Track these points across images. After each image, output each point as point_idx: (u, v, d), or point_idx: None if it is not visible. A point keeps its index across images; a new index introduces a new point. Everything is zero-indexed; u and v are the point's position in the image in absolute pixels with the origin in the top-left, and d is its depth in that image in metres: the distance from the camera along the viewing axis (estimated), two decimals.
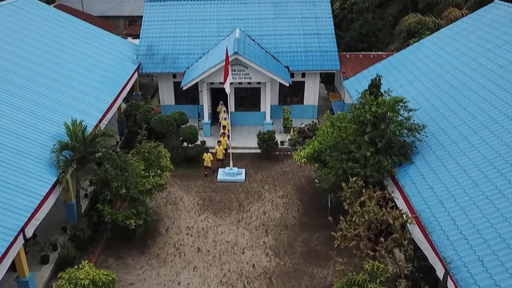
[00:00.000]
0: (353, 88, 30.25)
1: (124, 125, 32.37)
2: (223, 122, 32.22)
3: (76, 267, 16.18)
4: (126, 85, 30.34)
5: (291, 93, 35.84)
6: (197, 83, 32.74)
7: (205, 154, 28.92)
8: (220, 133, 31.64)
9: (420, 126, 20.93)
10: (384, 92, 21.89)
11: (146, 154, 23.87)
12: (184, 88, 31.95)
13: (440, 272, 15.80)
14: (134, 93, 35.97)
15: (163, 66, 34.47)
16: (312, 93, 35.82)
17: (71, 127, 21.15)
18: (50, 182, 19.17)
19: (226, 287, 20.56)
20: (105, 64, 30.73)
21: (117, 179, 21.85)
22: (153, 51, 35.18)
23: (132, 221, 21.47)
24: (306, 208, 25.94)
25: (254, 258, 22.31)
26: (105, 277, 15.92)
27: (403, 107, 21.08)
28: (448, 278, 15.20)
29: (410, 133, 21.02)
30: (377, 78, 22.76)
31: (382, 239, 17.03)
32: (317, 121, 33.75)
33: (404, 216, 17.52)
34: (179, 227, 24.47)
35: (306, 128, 33.17)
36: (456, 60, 26.06)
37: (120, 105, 32.25)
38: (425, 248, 17.01)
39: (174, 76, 34.87)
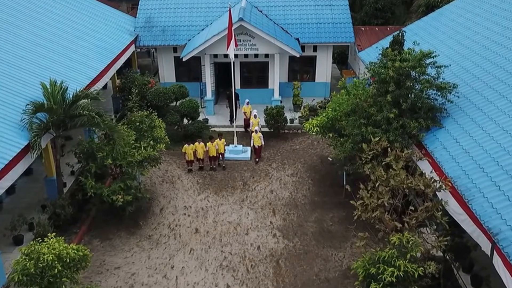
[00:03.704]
0: (370, 58, 27.33)
1: (119, 101, 29.64)
2: (255, 138, 25.20)
3: (40, 239, 13.38)
4: (120, 55, 27.69)
5: (302, 69, 33.11)
6: (199, 57, 30.09)
7: (196, 143, 24.24)
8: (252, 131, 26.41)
9: (451, 85, 18.02)
10: (408, 48, 18.99)
11: (138, 124, 21.16)
12: (184, 59, 29.18)
13: (485, 247, 12.88)
14: (132, 70, 33.28)
15: (163, 38, 31.73)
16: (325, 69, 32.87)
17: (49, 88, 18.45)
18: (19, 146, 16.44)
19: (227, 271, 17.77)
20: (98, 33, 28.11)
21: (103, 149, 19.18)
22: (152, 23, 32.47)
23: (120, 196, 18.81)
24: (318, 187, 23.10)
25: (260, 239, 19.52)
26: (74, 253, 13.09)
27: (431, 64, 18.19)
28: (495, 252, 12.33)
29: (439, 94, 18.10)
30: (400, 34, 19.95)
31: (412, 207, 14.10)
32: (330, 98, 30.83)
33: (437, 183, 14.64)
34: (176, 207, 21.74)
35: (318, 106, 30.36)
36: (486, 21, 23.25)
37: (114, 80, 29.69)
38: (463, 220, 14.10)
39: (175, 50, 32.07)
